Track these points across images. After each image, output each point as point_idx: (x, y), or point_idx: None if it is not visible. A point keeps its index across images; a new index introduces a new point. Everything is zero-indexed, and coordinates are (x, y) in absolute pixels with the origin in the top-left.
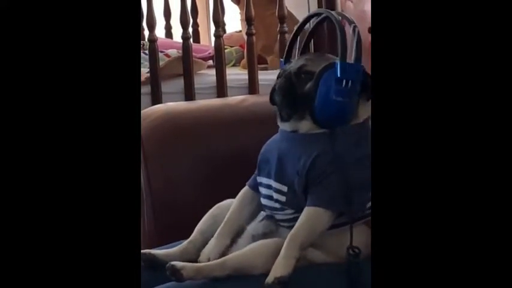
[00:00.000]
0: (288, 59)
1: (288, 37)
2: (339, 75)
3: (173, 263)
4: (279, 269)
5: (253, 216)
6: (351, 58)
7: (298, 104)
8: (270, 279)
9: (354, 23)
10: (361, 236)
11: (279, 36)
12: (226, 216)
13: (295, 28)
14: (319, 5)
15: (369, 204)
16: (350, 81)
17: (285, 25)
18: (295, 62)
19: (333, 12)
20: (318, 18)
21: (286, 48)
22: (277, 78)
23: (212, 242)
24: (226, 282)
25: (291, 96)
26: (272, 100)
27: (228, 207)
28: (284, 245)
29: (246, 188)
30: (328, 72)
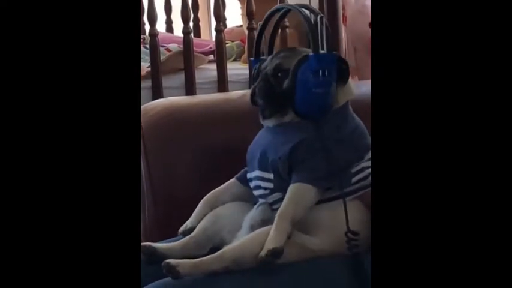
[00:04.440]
0: (257, 57)
1: (289, 32)
2: (314, 67)
3: (168, 260)
4: (271, 242)
5: (234, 200)
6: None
7: (280, 103)
8: (263, 252)
9: (319, 13)
10: (355, 213)
11: (279, 30)
12: (210, 193)
13: (260, 25)
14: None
15: (355, 178)
16: (326, 70)
17: (285, 20)
18: (270, 62)
19: (295, 5)
20: (280, 13)
21: (254, 46)
22: (253, 78)
23: (193, 212)
24: (224, 276)
25: (272, 97)
26: (254, 103)
27: (231, 207)
28: (274, 222)
29: (233, 179)
30: (303, 65)
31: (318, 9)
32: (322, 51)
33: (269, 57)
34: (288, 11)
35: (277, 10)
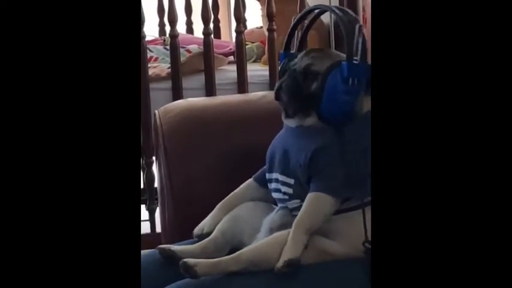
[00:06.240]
0: (287, 51)
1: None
2: (346, 75)
3: (185, 260)
4: (287, 253)
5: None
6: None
7: (305, 103)
8: (279, 264)
9: (358, 21)
10: None
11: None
12: (228, 197)
13: (294, 21)
14: (341, 1)
15: None
16: (357, 80)
17: (306, 20)
18: (300, 60)
19: (334, 7)
20: (315, 12)
21: (285, 40)
22: (280, 72)
23: (209, 215)
24: (241, 276)
25: (298, 96)
26: (278, 98)
27: (250, 208)
28: (291, 231)
29: (250, 180)
30: (334, 71)
31: (355, 15)
32: (355, 60)
33: (299, 55)
34: (322, 11)
35: (312, 10)
